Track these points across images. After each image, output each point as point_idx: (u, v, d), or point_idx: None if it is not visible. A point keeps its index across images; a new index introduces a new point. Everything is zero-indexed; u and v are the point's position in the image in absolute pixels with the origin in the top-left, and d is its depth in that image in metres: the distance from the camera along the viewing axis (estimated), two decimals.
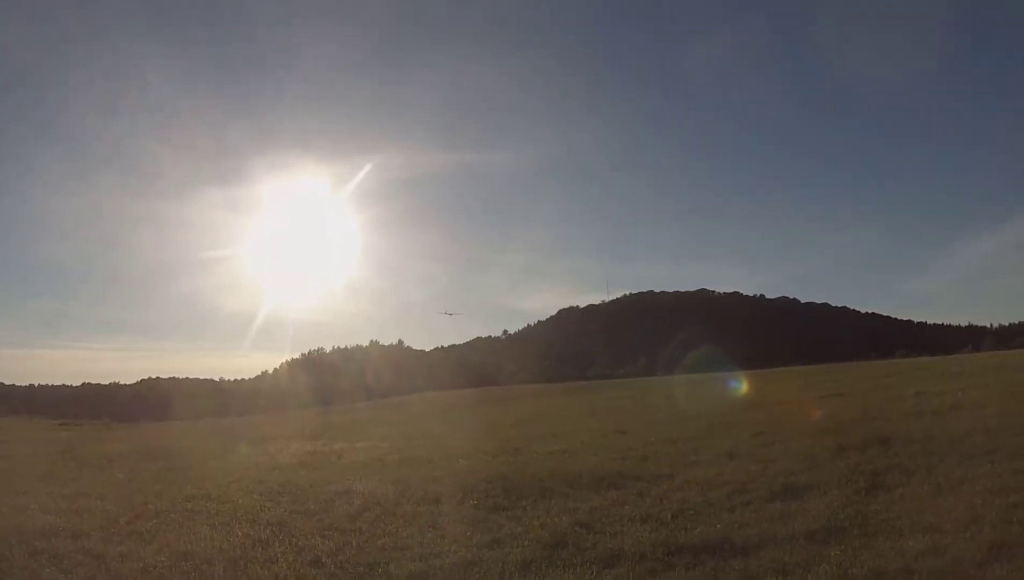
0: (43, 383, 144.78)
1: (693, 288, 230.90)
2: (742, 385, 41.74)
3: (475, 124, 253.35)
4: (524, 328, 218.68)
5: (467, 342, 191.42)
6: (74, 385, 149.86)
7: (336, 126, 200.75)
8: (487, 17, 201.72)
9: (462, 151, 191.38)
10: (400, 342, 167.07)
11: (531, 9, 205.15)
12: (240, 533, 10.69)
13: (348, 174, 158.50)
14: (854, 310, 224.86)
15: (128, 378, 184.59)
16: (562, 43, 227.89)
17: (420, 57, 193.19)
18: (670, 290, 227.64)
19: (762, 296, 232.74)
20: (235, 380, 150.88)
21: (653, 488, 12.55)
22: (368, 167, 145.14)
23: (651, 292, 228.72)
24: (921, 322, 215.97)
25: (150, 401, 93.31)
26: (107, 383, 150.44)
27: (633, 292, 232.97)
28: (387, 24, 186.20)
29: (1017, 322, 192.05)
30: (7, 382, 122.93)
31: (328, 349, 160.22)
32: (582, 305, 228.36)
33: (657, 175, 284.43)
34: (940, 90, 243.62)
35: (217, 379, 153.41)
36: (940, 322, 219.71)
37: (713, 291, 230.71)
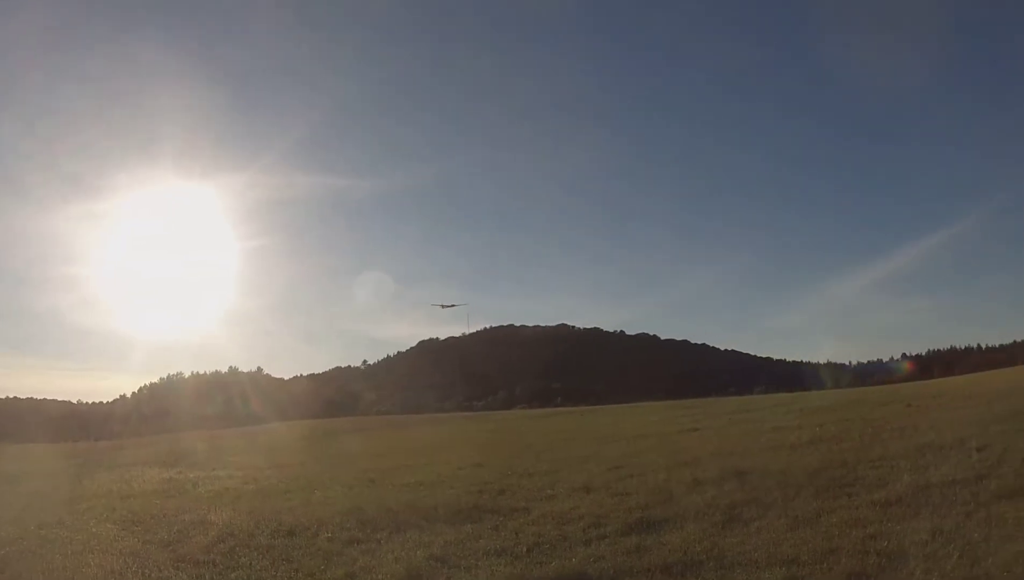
0: None
1: (553, 322, 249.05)
2: (599, 418, 43.89)
3: (343, 148, 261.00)
4: (384, 358, 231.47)
5: (327, 371, 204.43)
6: None
7: (205, 144, 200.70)
8: (359, 42, 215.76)
9: (330, 175, 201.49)
10: (259, 369, 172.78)
11: (404, 38, 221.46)
12: (93, 564, 11.42)
13: (215, 194, 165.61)
14: (713, 346, 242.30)
15: None
16: (432, 70, 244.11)
17: (292, 78, 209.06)
18: (530, 324, 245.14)
19: (622, 332, 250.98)
20: (92, 403, 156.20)
21: (509, 522, 13.62)
22: (236, 188, 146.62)
23: (511, 325, 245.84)
24: (780, 359, 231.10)
25: (3, 422, 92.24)
26: None
27: (493, 325, 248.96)
28: (262, 45, 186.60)
29: (875, 359, 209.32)
30: None
31: (187, 374, 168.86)
32: (442, 337, 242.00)
33: (519, 208, 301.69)
34: (804, 131, 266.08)
35: (75, 401, 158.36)
36: (799, 359, 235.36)
37: (573, 326, 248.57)
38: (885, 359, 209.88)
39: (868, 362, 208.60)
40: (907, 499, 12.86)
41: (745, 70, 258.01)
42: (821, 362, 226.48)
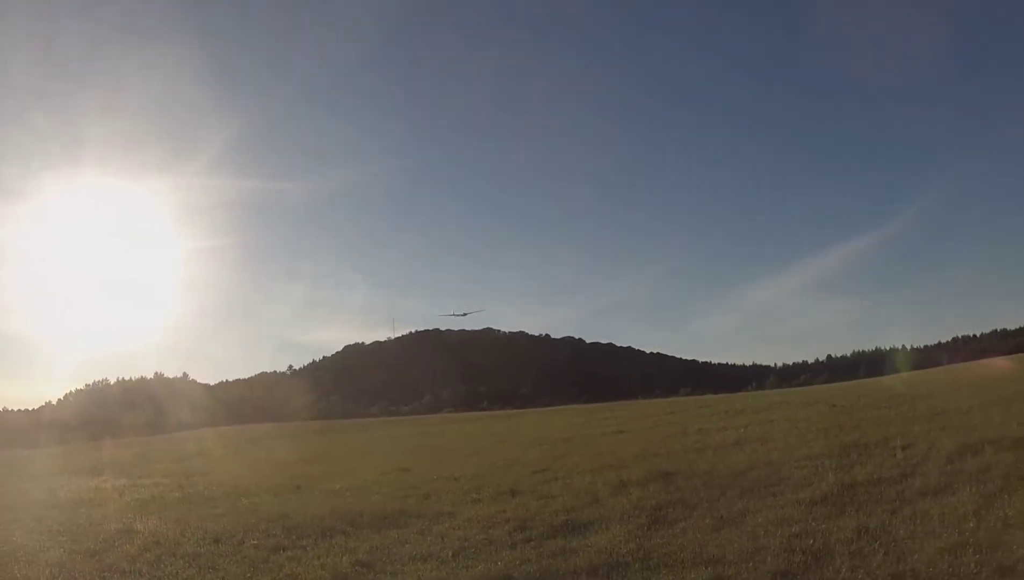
0: None
1: (479, 327, 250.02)
2: (525, 422, 44.40)
3: (273, 152, 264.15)
4: (309, 363, 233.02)
5: (253, 376, 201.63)
6: None
7: (128, 144, 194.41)
8: (291, 44, 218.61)
9: (260, 178, 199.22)
10: (185, 375, 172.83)
11: (335, 39, 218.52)
12: (19, 575, 11.41)
13: (143, 198, 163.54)
14: (639, 350, 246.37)
15: None
16: (363, 72, 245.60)
17: (223, 79, 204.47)
18: (456, 328, 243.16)
19: (547, 335, 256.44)
20: (16, 411, 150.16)
21: (435, 526, 13.85)
22: (163, 191, 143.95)
23: (437, 330, 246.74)
24: (706, 362, 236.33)
25: None
26: None
27: (419, 329, 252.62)
28: (192, 45, 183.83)
29: (801, 361, 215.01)
30: None
31: (112, 380, 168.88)
32: (368, 341, 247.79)
33: (446, 213, 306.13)
34: (730, 136, 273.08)
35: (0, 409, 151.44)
36: (725, 361, 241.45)
37: (499, 330, 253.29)
38: (810, 361, 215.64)
39: (793, 363, 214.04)
40: (832, 498, 13.17)
41: (675, 75, 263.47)
42: (746, 364, 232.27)
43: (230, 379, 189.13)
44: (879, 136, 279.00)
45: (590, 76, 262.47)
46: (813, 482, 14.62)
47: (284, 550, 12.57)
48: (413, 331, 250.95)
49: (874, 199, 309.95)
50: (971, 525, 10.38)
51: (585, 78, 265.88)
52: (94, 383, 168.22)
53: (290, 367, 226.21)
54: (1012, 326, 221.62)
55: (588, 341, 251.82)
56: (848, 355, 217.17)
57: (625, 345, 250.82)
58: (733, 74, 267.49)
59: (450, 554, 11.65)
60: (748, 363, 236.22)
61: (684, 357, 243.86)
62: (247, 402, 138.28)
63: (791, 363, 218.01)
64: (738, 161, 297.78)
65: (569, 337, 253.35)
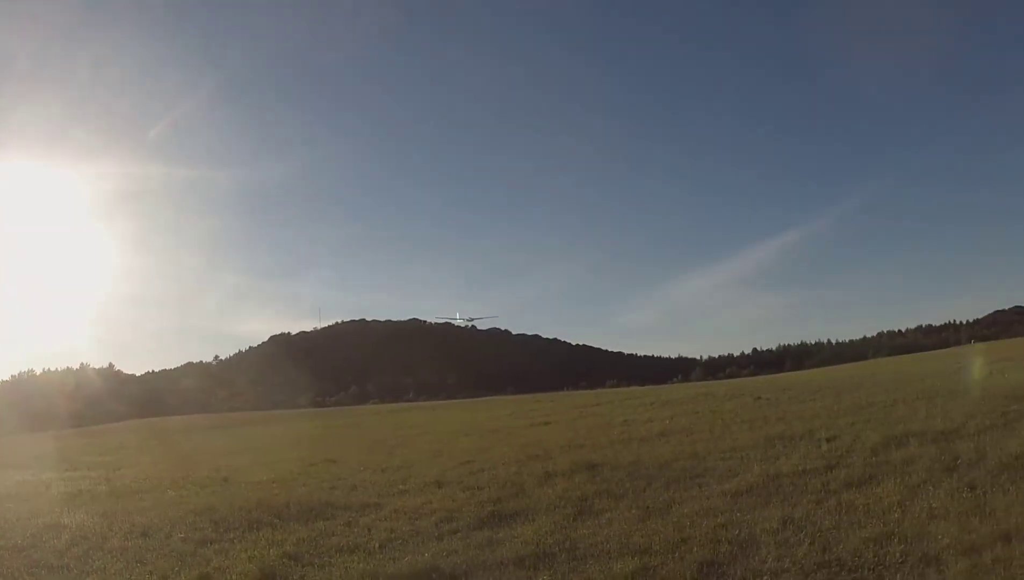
0: None
1: (405, 317, 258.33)
2: (451, 413, 44.92)
3: (200, 140, 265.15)
4: (236, 354, 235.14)
5: (179, 367, 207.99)
6: None
7: (54, 131, 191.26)
8: (220, 32, 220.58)
9: (186, 166, 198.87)
10: (112, 365, 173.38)
11: (263, 25, 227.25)
12: None
13: (67, 184, 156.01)
14: (565, 341, 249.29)
15: None
16: (291, 64, 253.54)
17: (146, 65, 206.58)
18: (382, 318, 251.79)
19: (473, 326, 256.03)
20: None
21: (361, 518, 13.90)
22: (88, 178, 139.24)
23: (363, 320, 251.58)
24: (632, 354, 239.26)
25: None
26: None
27: (345, 320, 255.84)
28: (119, 31, 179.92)
29: (726, 354, 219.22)
30: None
31: (38, 371, 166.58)
32: (294, 331, 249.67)
33: (373, 204, 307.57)
34: (656, 131, 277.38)
35: None
36: (651, 354, 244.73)
37: (425, 321, 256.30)
38: (736, 354, 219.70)
39: (719, 356, 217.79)
40: (758, 488, 13.38)
41: (600, 73, 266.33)
42: (672, 357, 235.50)
43: (156, 370, 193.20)
44: (806, 136, 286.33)
45: (516, 73, 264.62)
46: (738, 473, 14.83)
47: (211, 543, 12.54)
48: (340, 321, 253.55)
49: (801, 196, 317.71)
50: (896, 516, 10.64)
51: (511, 75, 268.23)
52: (19, 374, 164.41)
53: (216, 357, 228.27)
54: (937, 322, 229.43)
55: (515, 333, 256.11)
56: (773, 349, 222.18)
57: (551, 337, 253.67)
58: (659, 75, 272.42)
59: (377, 546, 11.74)
60: (674, 356, 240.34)
61: (610, 349, 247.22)
62: (174, 393, 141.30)
63: (716, 356, 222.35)
64: (665, 158, 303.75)
65: (495, 329, 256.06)
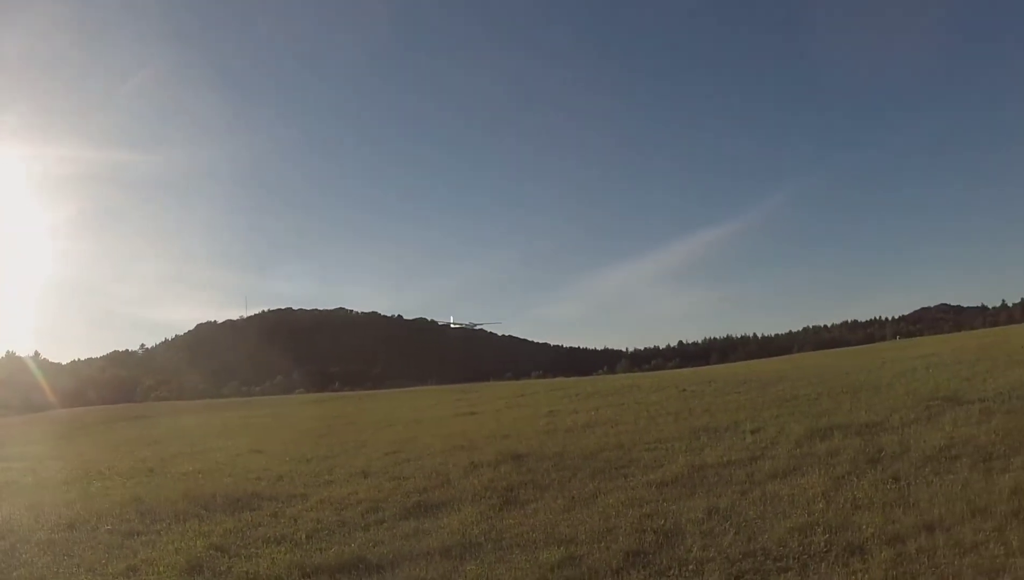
0: None
1: (331, 306, 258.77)
2: (377, 403, 45.64)
3: (130, 122, 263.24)
4: (162, 342, 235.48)
5: (105, 355, 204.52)
6: None
7: None
8: (152, 10, 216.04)
9: (116, 149, 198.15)
10: (36, 354, 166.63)
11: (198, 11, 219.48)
12: None
13: None
14: (491, 332, 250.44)
15: None
16: (224, 44, 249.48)
17: (76, 42, 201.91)
18: (308, 308, 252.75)
19: (400, 316, 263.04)
20: None
21: (288, 508, 13.95)
22: (11, 161, 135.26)
23: (289, 309, 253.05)
24: (558, 345, 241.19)
25: None
26: None
27: (271, 309, 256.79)
28: (48, 9, 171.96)
29: (652, 346, 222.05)
30: None
31: None
32: (220, 320, 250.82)
33: (300, 190, 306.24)
34: (584, 124, 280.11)
35: None
36: (577, 345, 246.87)
37: (351, 310, 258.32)
38: (662, 347, 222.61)
39: (645, 349, 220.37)
40: (683, 479, 13.54)
41: (531, 65, 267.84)
42: (598, 348, 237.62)
43: (82, 358, 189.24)
44: (734, 131, 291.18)
45: (441, 66, 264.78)
46: (664, 464, 15.00)
47: (138, 535, 12.50)
48: (266, 310, 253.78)
49: (728, 191, 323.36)
50: (820, 506, 10.82)
51: (437, 68, 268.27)
52: None
53: (142, 346, 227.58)
54: (862, 318, 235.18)
55: (440, 322, 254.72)
56: (699, 342, 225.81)
57: (477, 327, 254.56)
58: (588, 69, 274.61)
59: (303, 536, 11.80)
60: (600, 347, 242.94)
61: (536, 340, 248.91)
62: (99, 381, 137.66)
63: (642, 348, 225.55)
64: (594, 151, 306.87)
65: (421, 318, 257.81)
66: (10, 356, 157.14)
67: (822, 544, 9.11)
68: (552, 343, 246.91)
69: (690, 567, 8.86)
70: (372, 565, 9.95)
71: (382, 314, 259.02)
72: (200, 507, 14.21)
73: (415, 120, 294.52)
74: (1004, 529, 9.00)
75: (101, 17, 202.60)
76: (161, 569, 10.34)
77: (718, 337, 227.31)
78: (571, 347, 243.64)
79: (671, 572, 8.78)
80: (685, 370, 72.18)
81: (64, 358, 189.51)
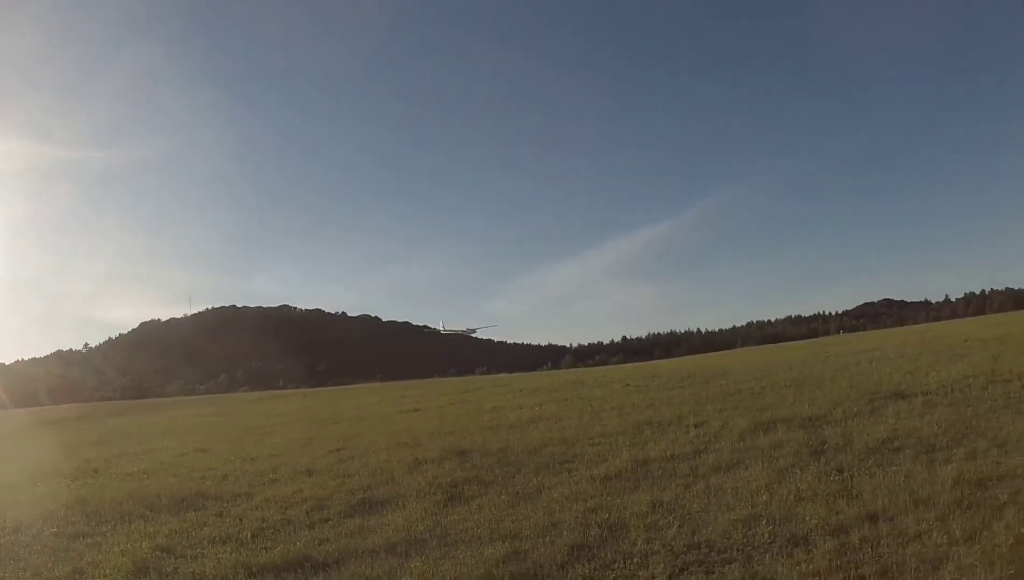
0: None
1: (276, 304, 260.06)
2: (321, 401, 45.87)
3: (75, 119, 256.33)
4: (106, 341, 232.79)
5: (48, 355, 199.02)
6: None
7: None
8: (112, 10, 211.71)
9: (60, 145, 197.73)
10: None
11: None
12: None
13: None
14: (435, 328, 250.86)
15: None
16: (173, 41, 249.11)
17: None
18: (253, 305, 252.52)
19: (344, 313, 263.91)
20: None
21: (233, 507, 13.87)
22: None
23: (234, 306, 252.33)
24: (502, 342, 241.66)
25: None
26: None
27: (216, 306, 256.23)
28: None
29: (596, 342, 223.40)
30: None
31: None
32: (164, 318, 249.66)
33: (246, 189, 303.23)
34: (527, 122, 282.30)
35: None
36: (521, 341, 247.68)
37: (295, 307, 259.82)
38: (606, 342, 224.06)
39: (589, 344, 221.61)
40: (627, 473, 13.63)
41: (473, 59, 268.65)
42: (542, 344, 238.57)
43: (25, 358, 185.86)
44: (679, 130, 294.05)
45: (393, 59, 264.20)
46: (607, 458, 15.10)
47: (84, 537, 12.33)
48: (210, 308, 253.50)
49: (673, 189, 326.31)
50: (764, 498, 10.92)
51: (390, 62, 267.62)
52: None
53: (86, 345, 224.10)
54: (806, 313, 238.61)
55: (384, 319, 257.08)
56: (643, 337, 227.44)
57: (421, 323, 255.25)
58: (526, 74, 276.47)
59: (249, 536, 11.71)
60: (544, 344, 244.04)
61: (480, 337, 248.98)
62: (43, 382, 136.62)
63: (586, 344, 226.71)
64: (538, 151, 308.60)
65: (365, 315, 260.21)
66: None
67: (766, 536, 9.19)
68: (496, 340, 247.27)
69: (635, 560, 8.87)
70: (318, 563, 9.90)
71: (326, 311, 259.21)
72: (146, 507, 14.13)
73: (357, 123, 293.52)
74: (947, 519, 9.14)
75: (60, 14, 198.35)
76: (107, 571, 10.22)
77: (662, 333, 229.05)
78: (515, 343, 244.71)
79: (616, 566, 8.78)
80: (629, 365, 72.69)
81: (7, 358, 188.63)
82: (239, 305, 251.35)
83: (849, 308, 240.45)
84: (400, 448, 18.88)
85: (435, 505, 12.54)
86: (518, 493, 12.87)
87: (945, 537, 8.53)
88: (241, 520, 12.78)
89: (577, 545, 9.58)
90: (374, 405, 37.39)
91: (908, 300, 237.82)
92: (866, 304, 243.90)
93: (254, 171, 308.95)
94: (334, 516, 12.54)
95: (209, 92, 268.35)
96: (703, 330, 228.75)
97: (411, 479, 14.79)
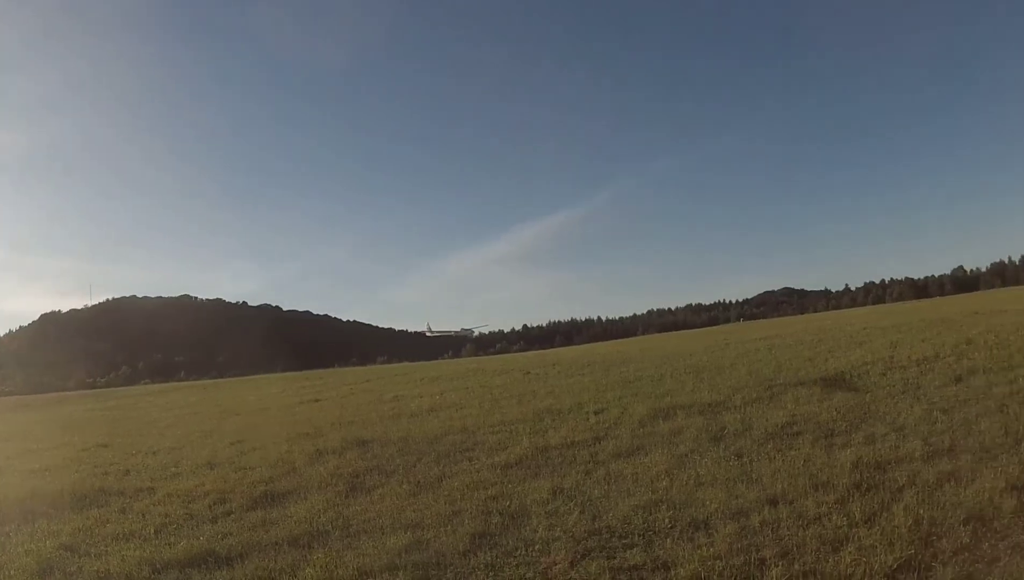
0: None
1: (176, 294, 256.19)
2: (222, 392, 45.15)
3: None
4: (5, 334, 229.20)
5: None
6: None
7: None
8: None
9: None
10: None
11: None
12: None
13: None
14: (336, 318, 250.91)
15: None
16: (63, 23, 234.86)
17: None
18: (153, 295, 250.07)
19: (245, 303, 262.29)
20: None
21: (135, 503, 13.54)
22: None
23: (134, 297, 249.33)
24: (403, 330, 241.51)
25: None
26: None
27: (116, 296, 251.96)
28: None
29: (497, 330, 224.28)
30: None
31: None
32: (64, 309, 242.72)
33: (142, 175, 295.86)
34: (430, 116, 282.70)
35: None
36: (422, 329, 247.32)
37: (196, 297, 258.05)
38: (506, 330, 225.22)
39: (490, 332, 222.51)
40: (527, 461, 13.69)
41: (382, 55, 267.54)
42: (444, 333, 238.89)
43: None
44: (582, 118, 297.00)
45: (289, 47, 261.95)
46: (508, 446, 15.17)
47: None
48: (110, 298, 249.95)
49: (575, 177, 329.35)
50: (664, 484, 11.02)
51: (289, 53, 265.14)
52: None
53: None
54: (707, 301, 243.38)
55: (286, 309, 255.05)
56: (544, 325, 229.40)
57: (322, 313, 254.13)
58: (436, 61, 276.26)
59: (152, 531, 11.50)
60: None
61: (381, 325, 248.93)
62: None
63: (487, 332, 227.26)
64: (439, 139, 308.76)
65: (266, 305, 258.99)
66: None
67: (667, 521, 9.25)
68: (398, 328, 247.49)
69: (536, 547, 8.85)
70: (221, 558, 9.69)
71: (227, 301, 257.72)
72: (48, 506, 13.67)
73: (258, 106, 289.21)
74: (846, 501, 9.35)
75: None
76: (12, 572, 9.87)
77: (562, 320, 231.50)
78: (416, 331, 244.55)
79: (517, 553, 8.75)
80: (530, 353, 73.18)
81: None
82: (140, 295, 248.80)
83: (750, 296, 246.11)
84: (301, 439, 18.69)
85: (337, 496, 12.40)
86: (419, 482, 12.77)
87: (845, 519, 8.69)
88: (144, 516, 12.47)
89: (479, 533, 9.53)
90: (275, 395, 36.98)
91: (808, 289, 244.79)
92: (767, 293, 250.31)
93: (150, 161, 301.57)
94: (236, 509, 12.30)
95: (89, 81, 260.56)
96: (604, 318, 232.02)
97: (313, 470, 14.64)
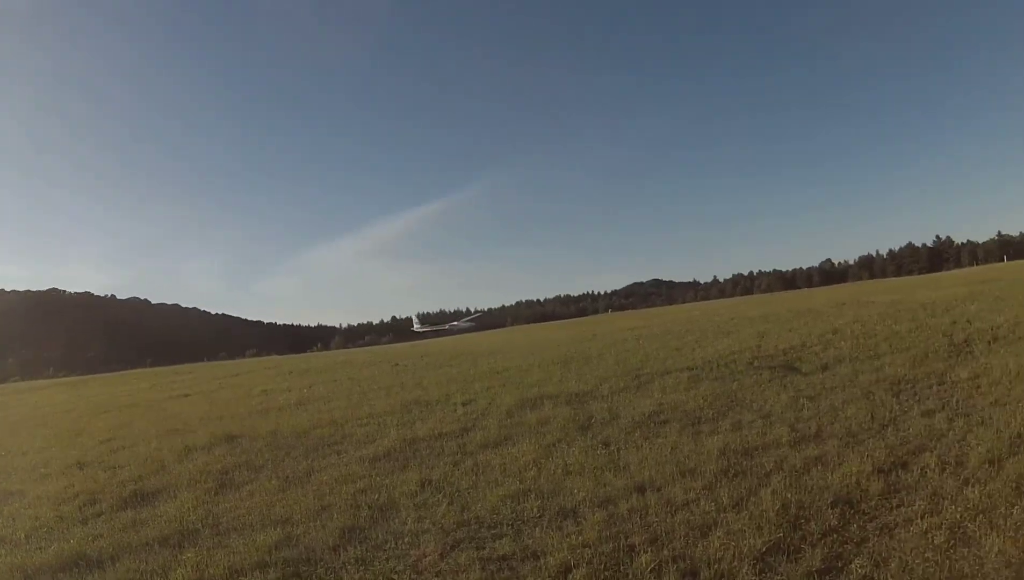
0: None
1: (44, 288, 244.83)
2: (91, 389, 43.22)
3: None
4: None
5: None
6: None
7: None
8: None
9: None
10: None
11: None
12: None
13: None
14: (205, 311, 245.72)
15: None
16: None
17: None
18: (20, 289, 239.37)
19: (113, 296, 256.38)
20: None
21: (5, 506, 13.05)
22: None
23: (1, 290, 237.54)
24: (272, 323, 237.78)
25: None
26: None
27: None
28: None
29: (366, 322, 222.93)
30: None
31: None
32: None
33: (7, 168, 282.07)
34: (301, 112, 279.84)
35: None
36: (291, 322, 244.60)
37: (64, 291, 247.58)
38: (375, 322, 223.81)
39: (358, 325, 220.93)
40: (395, 453, 13.70)
41: (262, 52, 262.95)
42: (312, 325, 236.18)
43: None
44: (451, 114, 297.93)
45: (166, 45, 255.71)
46: (376, 439, 15.14)
47: None
48: None
49: (444, 170, 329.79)
50: (532, 473, 11.20)
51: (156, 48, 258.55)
52: None
53: None
54: (575, 292, 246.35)
55: (154, 302, 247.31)
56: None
57: (191, 306, 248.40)
58: (312, 54, 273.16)
59: (22, 536, 11.08)
60: (314, 324, 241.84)
61: (250, 318, 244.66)
62: None
63: (356, 324, 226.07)
64: (313, 132, 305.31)
65: (135, 297, 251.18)
66: None
67: (535, 510, 9.43)
68: (266, 321, 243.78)
69: (406, 540, 8.92)
70: (93, 561, 9.44)
71: (96, 294, 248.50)
72: None
73: (131, 104, 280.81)
74: (714, 487, 9.68)
75: None
76: None
77: (431, 312, 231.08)
78: (285, 325, 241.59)
79: (387, 546, 8.79)
80: (398, 345, 72.92)
81: None
82: (7, 289, 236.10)
83: (618, 288, 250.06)
84: (170, 435, 18.25)
85: (206, 493, 12.20)
86: (288, 477, 12.66)
87: (713, 505, 9.00)
88: (14, 520, 11.97)
89: (348, 527, 9.55)
90: (144, 391, 35.88)
91: (677, 280, 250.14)
92: (635, 284, 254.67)
93: (18, 149, 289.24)
94: (107, 510, 11.94)
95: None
96: (472, 309, 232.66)
97: (182, 467, 14.34)
